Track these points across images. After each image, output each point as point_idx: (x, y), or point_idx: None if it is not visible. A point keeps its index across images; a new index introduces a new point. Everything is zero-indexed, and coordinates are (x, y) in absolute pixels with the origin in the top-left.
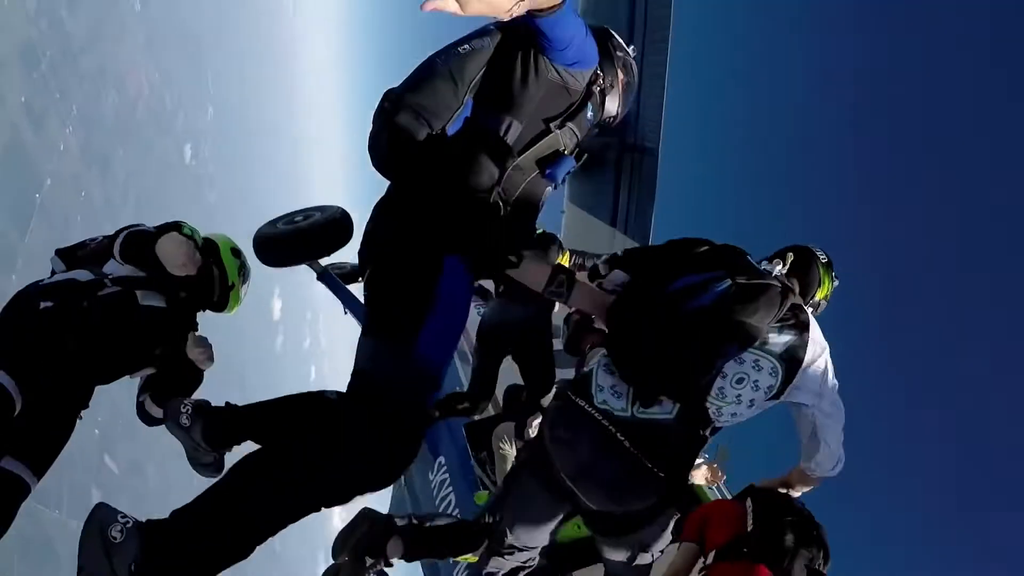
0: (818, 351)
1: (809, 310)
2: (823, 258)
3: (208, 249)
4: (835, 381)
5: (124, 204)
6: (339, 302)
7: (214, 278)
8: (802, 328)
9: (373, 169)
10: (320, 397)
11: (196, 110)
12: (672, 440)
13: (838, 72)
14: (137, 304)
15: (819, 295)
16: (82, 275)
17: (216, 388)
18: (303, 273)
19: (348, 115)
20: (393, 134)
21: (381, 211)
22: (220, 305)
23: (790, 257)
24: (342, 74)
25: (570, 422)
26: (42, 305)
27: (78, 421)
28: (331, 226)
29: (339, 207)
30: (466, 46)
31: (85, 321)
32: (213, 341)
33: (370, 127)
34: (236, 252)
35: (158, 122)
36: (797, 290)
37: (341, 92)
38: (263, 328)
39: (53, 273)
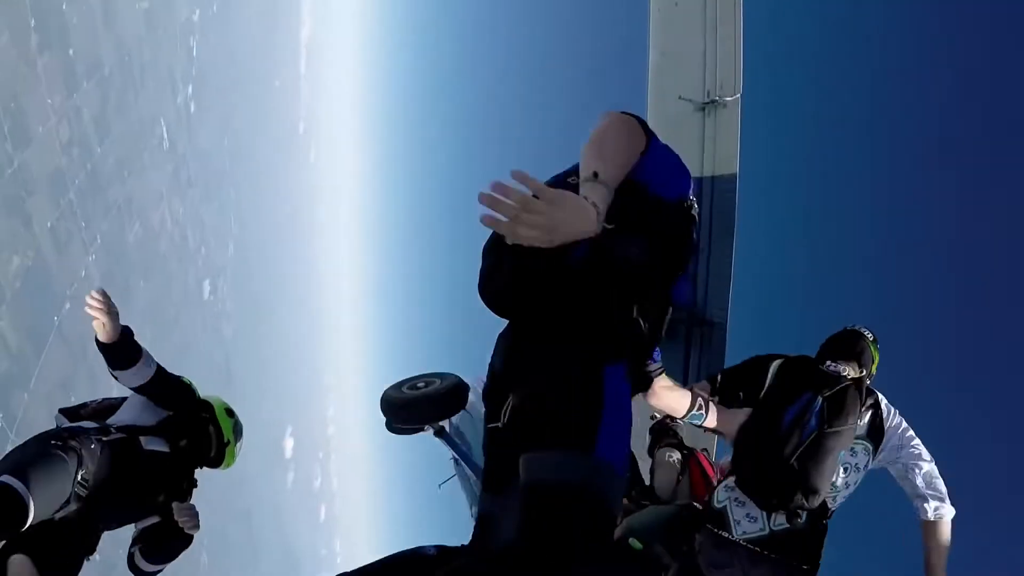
0: (888, 413)
1: (868, 382)
2: (870, 336)
3: (204, 409)
4: (909, 429)
5: (142, 334)
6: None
7: (211, 436)
8: (875, 405)
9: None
10: (424, 556)
11: (218, 246)
12: (806, 537)
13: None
14: (141, 448)
15: (873, 368)
16: (88, 424)
17: (223, 521)
18: (316, 412)
19: (365, 260)
20: (520, 268)
21: (511, 343)
22: (216, 461)
23: (853, 367)
24: (360, 223)
25: (720, 551)
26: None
27: (85, 562)
28: (452, 393)
29: (455, 376)
30: (575, 178)
31: (96, 462)
32: (225, 475)
33: (481, 263)
34: (230, 412)
35: (180, 256)
36: (861, 374)
37: (358, 234)
38: (274, 465)
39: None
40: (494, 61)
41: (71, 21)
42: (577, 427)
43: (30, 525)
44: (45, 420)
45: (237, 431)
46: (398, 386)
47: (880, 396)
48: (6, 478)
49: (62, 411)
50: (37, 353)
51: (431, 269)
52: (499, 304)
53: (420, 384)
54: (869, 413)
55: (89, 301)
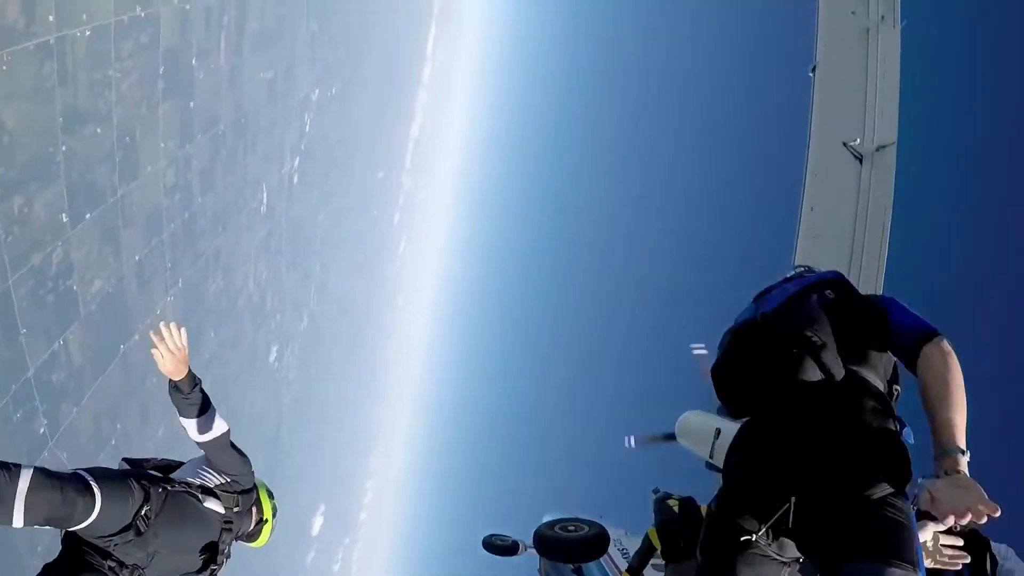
0: None
1: None
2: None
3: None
4: None
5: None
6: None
7: (252, 512)
8: None
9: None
10: None
11: (293, 316)
12: None
13: None
14: (200, 505)
15: None
16: (156, 473)
17: None
18: (353, 496)
19: (434, 362)
20: (788, 357)
21: (770, 444)
22: (251, 537)
23: None
24: (434, 326)
25: None
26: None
27: None
28: (597, 540)
29: (600, 525)
30: (829, 292)
31: (160, 504)
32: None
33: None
34: (271, 494)
35: (254, 316)
36: None
37: (430, 336)
38: (299, 540)
39: None
40: (607, 162)
41: (198, 76)
42: (903, 542)
43: (89, 540)
44: (86, 437)
45: (274, 512)
46: (551, 524)
47: None
48: (86, 475)
49: (126, 460)
50: (96, 375)
51: (495, 394)
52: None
53: (571, 528)
54: None
55: (158, 329)
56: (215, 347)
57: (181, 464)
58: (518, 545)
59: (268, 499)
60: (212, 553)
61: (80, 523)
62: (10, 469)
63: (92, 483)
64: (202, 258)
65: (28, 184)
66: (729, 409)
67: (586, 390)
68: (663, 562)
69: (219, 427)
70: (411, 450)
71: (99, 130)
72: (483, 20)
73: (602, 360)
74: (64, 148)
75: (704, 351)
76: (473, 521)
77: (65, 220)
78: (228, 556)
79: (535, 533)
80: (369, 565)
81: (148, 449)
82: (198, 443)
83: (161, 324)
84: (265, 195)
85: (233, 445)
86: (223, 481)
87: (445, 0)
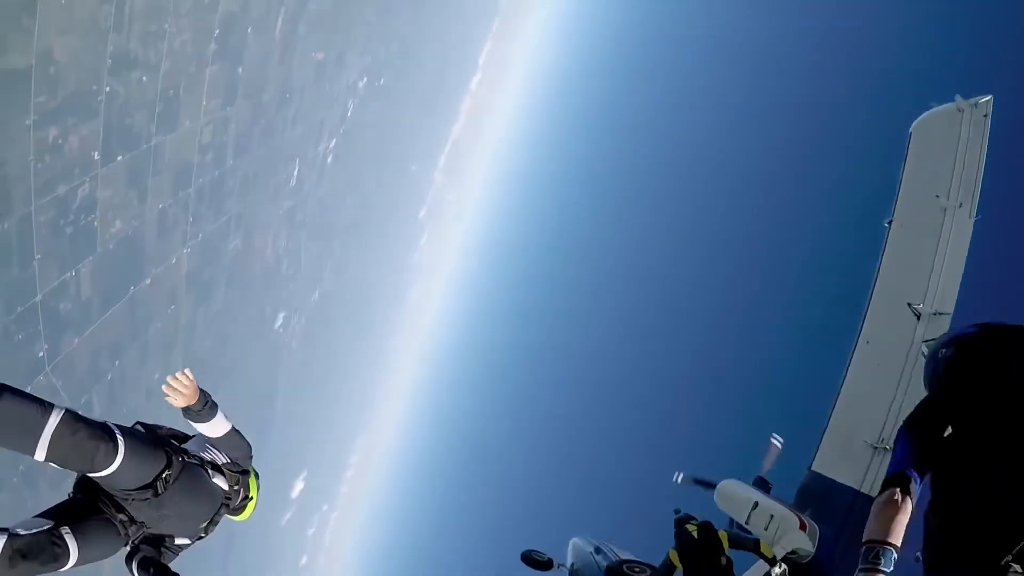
0: None
1: None
2: None
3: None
4: None
5: (204, 335)
6: None
7: (241, 491)
8: None
9: None
10: None
11: (305, 288)
12: None
13: None
14: (209, 479)
15: None
16: (176, 444)
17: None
18: (336, 467)
19: (436, 353)
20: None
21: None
22: (237, 511)
23: None
24: (444, 318)
25: None
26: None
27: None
28: None
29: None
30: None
31: (179, 472)
32: None
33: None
34: (257, 475)
35: (267, 282)
36: None
37: (437, 329)
38: (276, 500)
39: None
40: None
41: (251, 44)
42: None
43: (108, 491)
44: (84, 369)
45: (258, 491)
46: (619, 563)
47: None
48: (115, 428)
49: (141, 424)
50: (102, 311)
51: (492, 398)
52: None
53: (636, 569)
54: None
55: (178, 377)
56: (223, 304)
57: (188, 437)
58: (552, 562)
59: (255, 480)
60: (208, 524)
61: (99, 471)
62: (44, 405)
63: (118, 435)
64: (225, 217)
65: (66, 117)
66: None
67: (590, 405)
68: None
69: (226, 425)
70: (399, 439)
71: (145, 78)
72: (538, 43)
73: (621, 386)
74: (108, 89)
75: (780, 445)
76: (452, 525)
77: (96, 157)
78: (216, 524)
79: (608, 568)
80: (342, 535)
81: (142, 390)
82: (209, 438)
83: (170, 378)
84: (297, 169)
85: (239, 434)
86: (228, 461)
87: (505, 18)
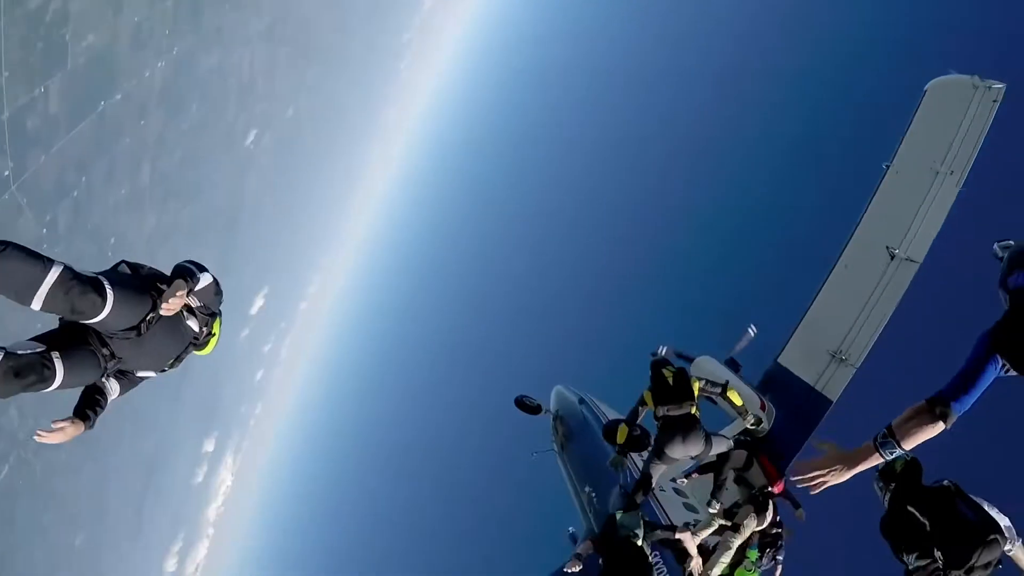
0: None
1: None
2: None
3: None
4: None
5: (173, 150)
6: None
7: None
8: None
9: None
10: None
11: (279, 106)
12: None
13: None
14: (185, 320)
15: None
16: (161, 288)
17: None
18: (297, 285)
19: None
20: None
21: None
22: (200, 346)
23: None
24: (411, 150)
25: None
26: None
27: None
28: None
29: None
30: None
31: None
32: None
33: None
34: (220, 315)
35: (241, 98)
36: None
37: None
38: (235, 316)
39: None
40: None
41: None
42: None
43: (96, 329)
44: (51, 186)
45: (220, 328)
46: (615, 422)
47: None
48: (105, 281)
49: (126, 263)
50: (70, 126)
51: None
52: None
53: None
54: None
55: (52, 432)
56: (196, 120)
57: (169, 278)
58: (540, 407)
59: (219, 321)
60: (175, 360)
61: (88, 320)
62: (44, 262)
63: (107, 288)
64: (203, 31)
65: None
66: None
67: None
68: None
69: (208, 279)
70: (366, 259)
71: None
72: None
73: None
74: None
75: (752, 334)
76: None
77: None
78: (182, 360)
79: (605, 427)
80: (299, 352)
81: (108, 206)
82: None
83: (37, 438)
84: None
85: (217, 284)
86: (202, 305)
87: None
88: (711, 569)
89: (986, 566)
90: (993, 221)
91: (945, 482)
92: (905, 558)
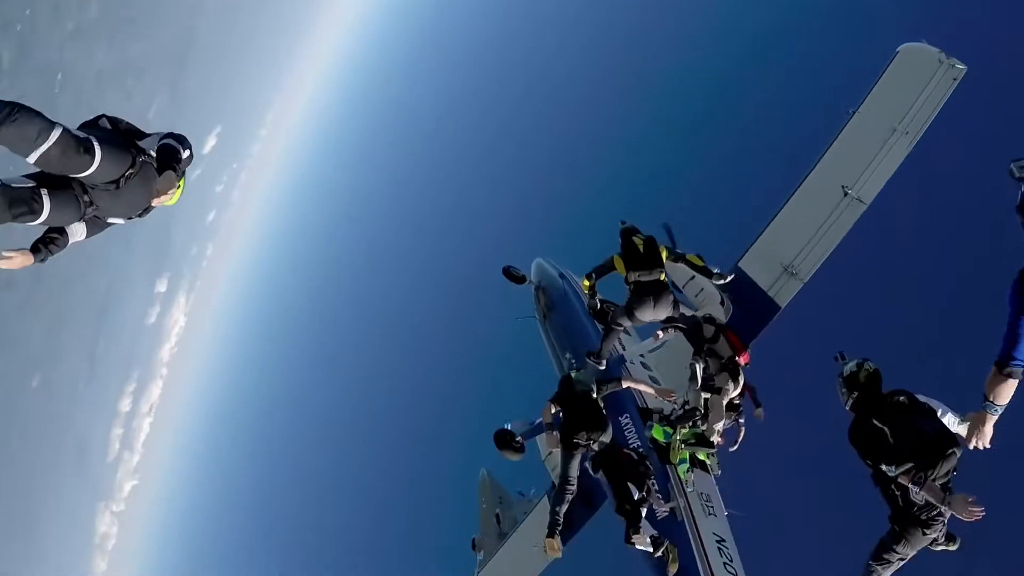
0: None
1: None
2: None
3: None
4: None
5: None
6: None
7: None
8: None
9: None
10: None
11: None
12: None
13: None
14: (158, 175)
15: None
16: (140, 145)
17: None
18: (253, 122)
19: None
20: None
21: None
22: (168, 198)
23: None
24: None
25: None
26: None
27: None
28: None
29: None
30: None
31: (138, 170)
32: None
33: None
34: (186, 175)
35: None
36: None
37: None
38: None
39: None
40: None
41: None
42: None
43: (79, 179)
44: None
45: (185, 182)
46: (600, 302)
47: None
48: (94, 139)
49: (107, 118)
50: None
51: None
52: None
53: (611, 306)
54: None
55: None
56: None
57: (146, 134)
58: (525, 278)
59: (184, 177)
60: (145, 210)
61: (77, 174)
62: (48, 123)
63: (96, 147)
64: None
65: None
66: None
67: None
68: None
69: (186, 153)
70: (325, 96)
71: None
72: None
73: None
74: None
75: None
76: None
77: None
78: (151, 209)
79: (590, 306)
80: (251, 194)
81: (55, 41)
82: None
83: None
84: None
85: (192, 157)
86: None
87: None
88: (715, 424)
89: (947, 473)
90: (936, 190)
91: (901, 398)
92: (884, 467)
